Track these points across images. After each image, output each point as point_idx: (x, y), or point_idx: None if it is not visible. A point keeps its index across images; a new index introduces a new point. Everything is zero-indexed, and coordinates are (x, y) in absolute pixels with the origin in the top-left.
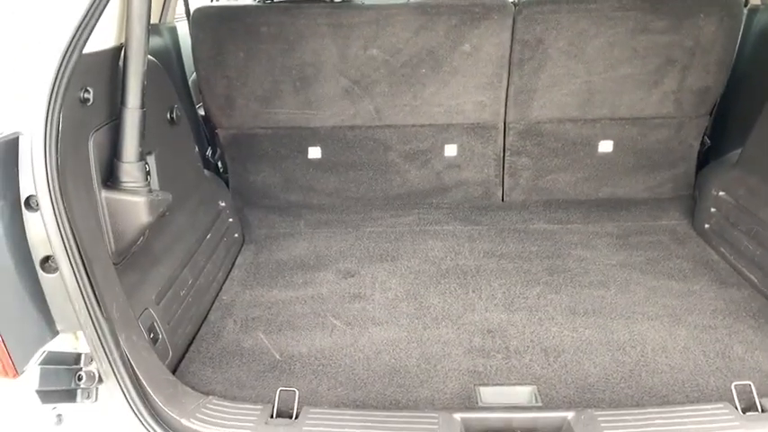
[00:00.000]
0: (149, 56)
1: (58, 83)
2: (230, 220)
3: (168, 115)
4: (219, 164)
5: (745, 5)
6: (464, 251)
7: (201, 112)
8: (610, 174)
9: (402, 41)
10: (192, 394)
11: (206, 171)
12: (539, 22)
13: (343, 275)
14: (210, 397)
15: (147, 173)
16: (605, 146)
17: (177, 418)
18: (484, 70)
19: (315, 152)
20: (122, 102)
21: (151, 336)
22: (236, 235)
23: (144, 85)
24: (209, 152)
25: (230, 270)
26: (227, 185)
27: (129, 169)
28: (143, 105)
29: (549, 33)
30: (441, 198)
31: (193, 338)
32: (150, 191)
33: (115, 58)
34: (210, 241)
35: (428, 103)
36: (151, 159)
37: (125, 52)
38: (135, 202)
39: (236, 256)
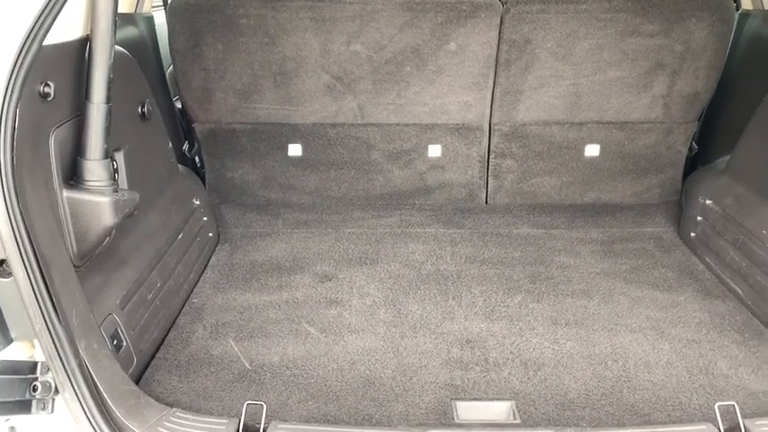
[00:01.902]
0: (120, 47)
1: (14, 76)
2: (205, 218)
3: (140, 110)
4: (197, 159)
5: (737, 10)
6: (445, 255)
7: (179, 105)
8: (596, 178)
9: (386, 38)
10: (155, 406)
11: (181, 167)
12: (527, 22)
13: (320, 279)
14: (174, 409)
15: (115, 171)
16: (592, 150)
17: (138, 431)
18: (470, 70)
19: (295, 149)
20: (87, 96)
21: (114, 343)
22: (211, 234)
23: (110, 78)
24: (185, 147)
25: (203, 271)
26: (204, 182)
27: (94, 167)
28: (109, 100)
29: (537, 33)
30: (423, 199)
31: (161, 344)
32: (116, 190)
33: (80, 51)
34: (182, 241)
35: (412, 102)
36: (120, 156)
37: (90, 44)
38: (98, 202)
39: (210, 257)
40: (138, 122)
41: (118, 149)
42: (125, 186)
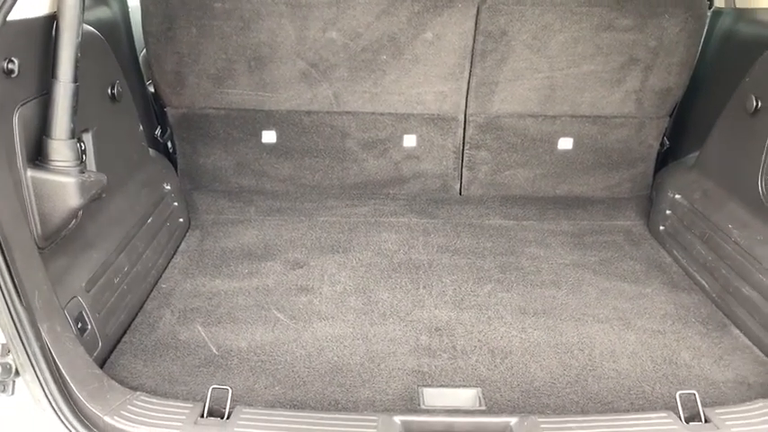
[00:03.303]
0: (90, 27)
1: None
2: (175, 203)
3: (109, 91)
4: (169, 144)
5: (710, 8)
6: (418, 245)
7: (152, 89)
8: (568, 171)
9: (363, 26)
10: (119, 389)
11: (153, 151)
12: (503, 14)
13: (292, 266)
14: (138, 393)
15: (83, 152)
16: (565, 143)
17: (100, 414)
18: (446, 60)
19: (269, 136)
20: (53, 74)
21: (79, 326)
22: (182, 220)
23: (77, 57)
24: (158, 131)
25: (172, 256)
26: (176, 167)
27: (59, 147)
28: (76, 79)
29: (513, 25)
30: (398, 189)
31: (127, 329)
32: (82, 171)
33: (46, 28)
34: (152, 226)
35: (388, 91)
36: (88, 137)
37: (57, 21)
38: (64, 183)
39: (180, 242)
40: (107, 104)
41: (86, 130)
42: (93, 168)
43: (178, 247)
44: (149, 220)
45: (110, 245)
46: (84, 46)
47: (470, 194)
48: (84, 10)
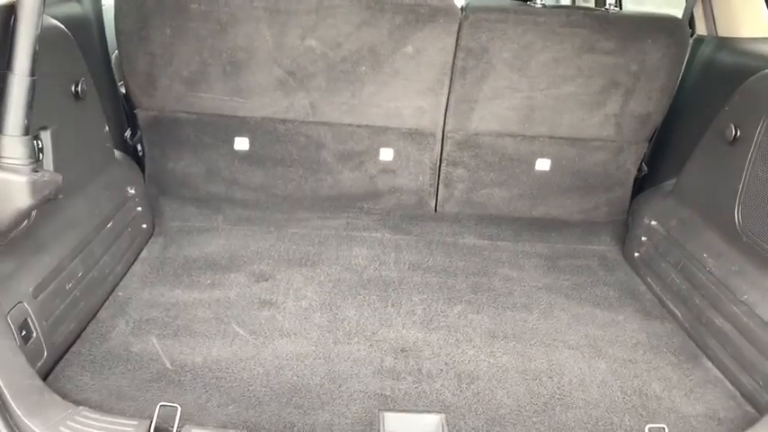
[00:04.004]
0: (56, 22)
1: None
2: (139, 209)
3: (73, 88)
4: (139, 147)
5: (691, 36)
6: (389, 261)
7: (123, 90)
8: (545, 193)
9: (342, 35)
10: (60, 404)
11: (120, 154)
12: (484, 30)
13: (256, 279)
14: (81, 408)
15: (40, 150)
16: (542, 164)
17: (37, 430)
18: (426, 75)
19: (242, 143)
20: (8, 66)
21: (23, 333)
22: (145, 226)
23: (36, 50)
24: (127, 133)
25: (132, 264)
26: (144, 171)
27: (11, 144)
28: (33, 73)
29: (494, 43)
30: (372, 203)
31: (77, 338)
32: (35, 170)
33: (4, 18)
34: (111, 230)
35: (366, 104)
36: (46, 135)
37: (15, 12)
38: (13, 181)
39: (142, 249)
40: (70, 102)
41: (44, 128)
42: (50, 168)
43: (139, 254)
44: (109, 225)
45: (63, 249)
46: (48, 40)
47: (445, 212)
48: (45, 1)
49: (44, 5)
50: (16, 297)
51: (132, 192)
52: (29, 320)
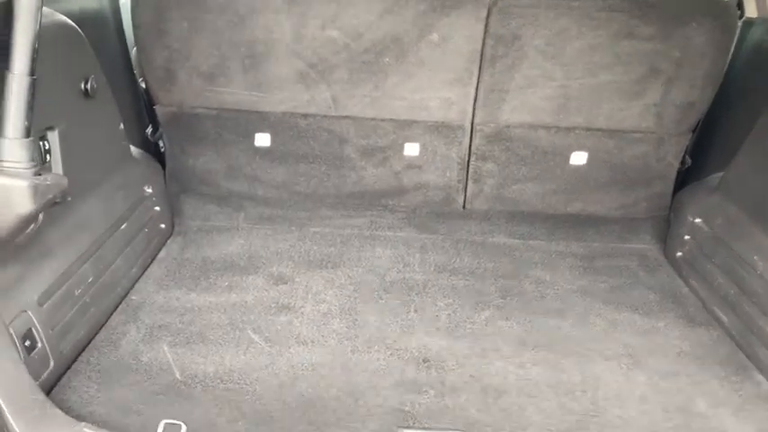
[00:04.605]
0: (63, 17)
1: None
2: (157, 208)
3: (82, 86)
4: (161, 143)
5: (740, 18)
6: (414, 263)
7: (144, 86)
8: (581, 188)
9: (364, 25)
10: (62, 419)
11: (139, 152)
12: (515, 17)
13: (275, 281)
14: (83, 424)
15: (47, 151)
16: (578, 157)
17: None
18: (453, 64)
19: (263, 139)
20: (7, 66)
21: (27, 343)
22: (163, 225)
23: (35, 48)
24: (149, 130)
25: (148, 266)
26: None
27: (12, 147)
28: (33, 72)
29: (526, 30)
30: (397, 200)
31: (86, 346)
32: (38, 174)
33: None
34: (126, 232)
35: (390, 96)
36: (53, 136)
37: (13, 8)
38: (13, 186)
39: (159, 250)
40: (79, 100)
41: (51, 128)
42: (59, 170)
43: (156, 255)
44: (123, 226)
45: (72, 253)
46: (54, 37)
47: (474, 209)
48: None
49: (42, 1)
50: (19, 306)
51: (150, 191)
52: (33, 330)
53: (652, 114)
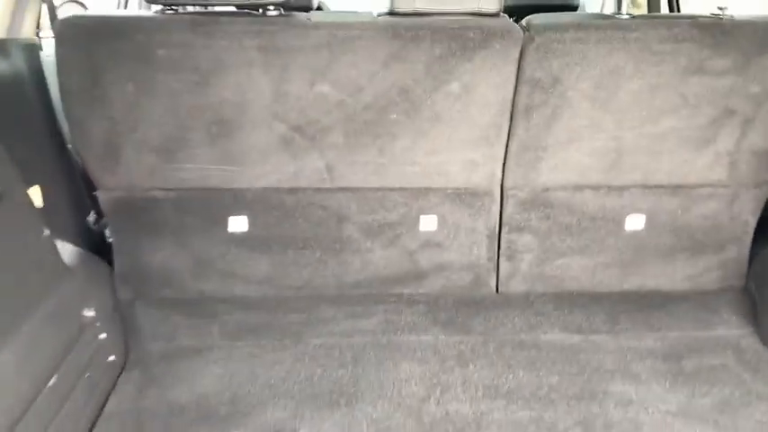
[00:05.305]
0: None
1: None
2: (102, 335)
3: None
4: (107, 232)
5: None
6: (454, 384)
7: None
8: (638, 259)
9: (365, 76)
10: None
11: (77, 252)
12: (557, 55)
13: None
14: None
15: None
16: (635, 221)
17: None
18: (478, 119)
19: (238, 223)
20: None
21: None
22: (113, 358)
23: None
24: (91, 217)
25: (93, 426)
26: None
27: None
28: None
29: (569, 71)
30: (414, 288)
31: None
32: None
33: None
34: (56, 389)
35: (399, 161)
36: None
37: None
38: None
39: (108, 397)
40: None
41: None
42: None
43: (104, 405)
44: (52, 381)
45: None
46: None
47: (511, 292)
48: None
49: None
50: None
51: (92, 314)
52: None
53: (724, 164)
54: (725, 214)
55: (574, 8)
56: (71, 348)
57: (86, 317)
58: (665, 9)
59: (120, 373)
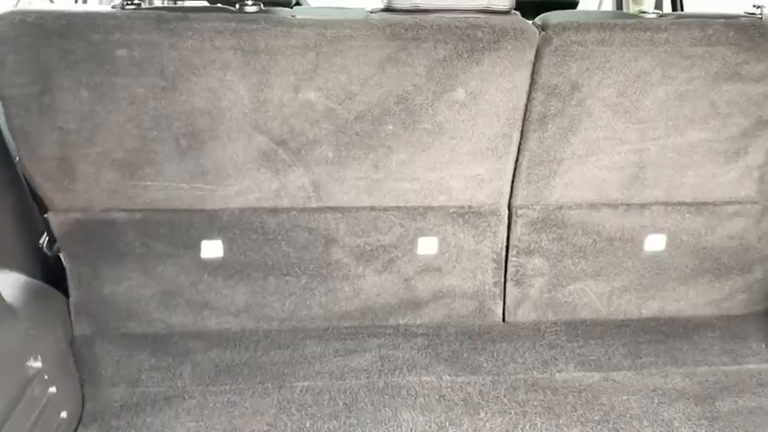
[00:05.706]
0: None
1: None
2: (52, 389)
3: None
4: (62, 256)
5: None
6: None
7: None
8: (658, 282)
9: (357, 81)
10: None
11: (24, 282)
12: (576, 58)
13: None
14: None
15: None
16: (655, 242)
17: None
18: (485, 129)
19: (212, 248)
20: None
21: None
22: (64, 415)
23: None
24: (44, 240)
25: None
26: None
27: None
28: None
29: (590, 76)
30: (412, 318)
31: None
32: None
33: None
34: None
35: (395, 177)
36: None
37: None
38: None
39: None
40: None
41: None
42: None
43: None
44: None
45: None
46: None
47: (519, 321)
48: None
49: None
50: None
51: (38, 364)
52: None
53: (754, 179)
54: (752, 233)
55: (573, 5)
56: (13, 408)
57: (32, 368)
58: (665, 9)
59: (75, 430)
